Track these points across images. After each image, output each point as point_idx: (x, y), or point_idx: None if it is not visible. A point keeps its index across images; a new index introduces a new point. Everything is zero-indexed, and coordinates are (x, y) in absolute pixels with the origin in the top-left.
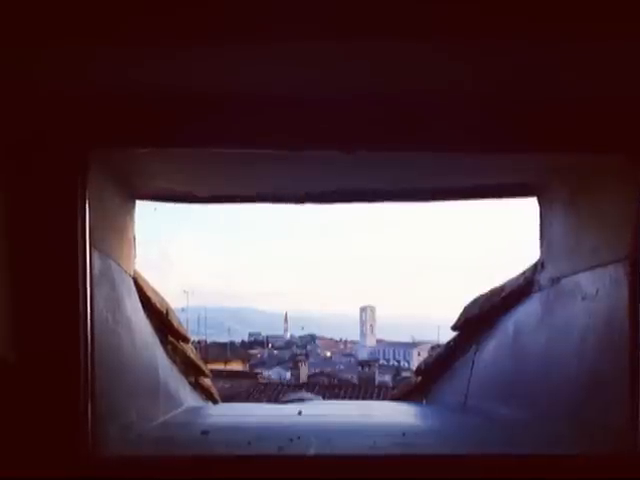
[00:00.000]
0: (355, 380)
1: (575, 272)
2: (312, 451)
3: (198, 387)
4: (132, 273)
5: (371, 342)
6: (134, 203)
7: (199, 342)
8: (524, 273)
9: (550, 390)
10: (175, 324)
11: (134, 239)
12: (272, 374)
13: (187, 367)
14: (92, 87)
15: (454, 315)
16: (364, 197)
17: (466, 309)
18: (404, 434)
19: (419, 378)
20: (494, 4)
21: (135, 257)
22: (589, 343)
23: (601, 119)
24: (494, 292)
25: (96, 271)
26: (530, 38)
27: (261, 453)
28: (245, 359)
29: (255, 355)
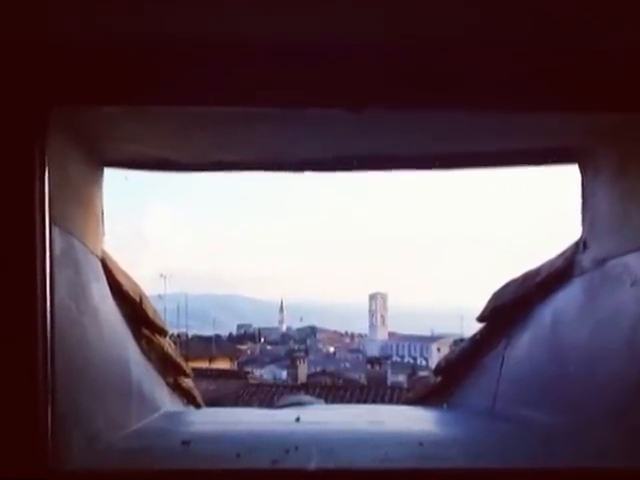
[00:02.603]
0: (363, 380)
1: (623, 252)
2: (312, 464)
3: (177, 389)
4: (99, 254)
5: (382, 335)
6: (102, 171)
7: (179, 336)
8: (563, 254)
9: (594, 391)
10: (150, 314)
11: (102, 214)
12: (265, 373)
13: (164, 365)
14: (53, 33)
15: (480, 304)
16: (371, 164)
17: (495, 296)
18: (421, 444)
19: (439, 378)
20: None
21: (103, 235)
22: None
23: None
24: (528, 276)
25: (57, 251)
26: None
27: (252, 467)
28: (233, 356)
29: (245, 351)
